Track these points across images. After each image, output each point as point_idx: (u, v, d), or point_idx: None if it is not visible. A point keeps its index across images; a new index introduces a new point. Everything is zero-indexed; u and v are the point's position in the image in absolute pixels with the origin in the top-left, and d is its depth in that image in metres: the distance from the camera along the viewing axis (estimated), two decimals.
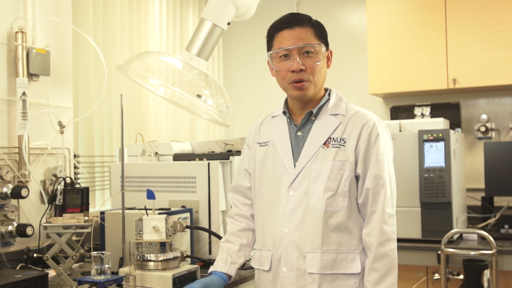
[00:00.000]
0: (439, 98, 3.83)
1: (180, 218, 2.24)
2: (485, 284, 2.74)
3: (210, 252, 2.40)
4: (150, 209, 1.98)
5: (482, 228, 3.17)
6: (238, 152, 2.51)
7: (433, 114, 3.46)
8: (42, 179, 2.48)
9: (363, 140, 1.72)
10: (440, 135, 2.98)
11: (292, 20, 1.75)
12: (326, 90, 1.85)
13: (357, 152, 1.72)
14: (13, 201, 2.29)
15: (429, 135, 3.00)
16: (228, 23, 2.51)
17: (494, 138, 3.73)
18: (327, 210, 1.70)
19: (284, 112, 1.86)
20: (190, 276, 1.95)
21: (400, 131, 3.14)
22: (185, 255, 2.04)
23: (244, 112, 4.47)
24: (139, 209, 2.16)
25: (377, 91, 3.74)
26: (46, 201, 2.42)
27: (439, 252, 2.84)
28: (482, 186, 3.44)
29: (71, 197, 1.98)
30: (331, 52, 1.82)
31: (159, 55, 2.73)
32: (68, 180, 2.05)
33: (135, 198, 2.43)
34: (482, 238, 2.95)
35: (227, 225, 1.99)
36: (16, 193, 2.21)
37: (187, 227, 2.17)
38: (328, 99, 1.82)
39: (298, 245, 1.72)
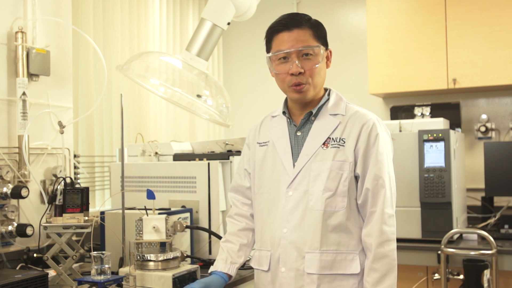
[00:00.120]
0: (439, 98, 3.83)
1: (180, 218, 2.24)
2: (485, 284, 2.74)
3: (210, 252, 2.40)
4: (150, 209, 1.98)
5: (482, 228, 3.17)
6: (238, 152, 2.51)
7: (433, 114, 3.46)
8: (42, 179, 2.48)
9: (362, 140, 1.72)
10: (440, 135, 2.98)
11: (290, 22, 1.74)
12: (325, 90, 1.85)
13: (356, 152, 1.72)
14: (13, 201, 2.29)
15: (429, 135, 3.00)
16: (228, 23, 2.50)
17: (494, 138, 3.73)
18: (326, 211, 1.70)
19: (283, 112, 1.86)
20: (190, 276, 1.95)
21: (400, 131, 3.14)
22: (185, 255, 2.04)
23: (244, 112, 4.47)
24: (139, 209, 2.16)
25: (377, 91, 3.74)
26: (46, 201, 2.42)
27: (439, 252, 2.84)
28: (482, 186, 3.44)
29: (71, 197, 1.98)
30: (330, 51, 1.81)
31: (159, 55, 2.73)
32: (68, 180, 2.05)
33: (135, 198, 2.43)
34: (482, 238, 2.95)
35: (227, 225, 1.99)
36: (16, 193, 2.21)
37: (187, 227, 2.17)
38: (328, 99, 1.82)
39: (297, 245, 1.72)
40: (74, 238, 2.11)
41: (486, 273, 2.76)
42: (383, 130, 1.76)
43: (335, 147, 1.73)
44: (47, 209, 2.14)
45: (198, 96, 2.43)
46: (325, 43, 1.78)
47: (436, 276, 2.92)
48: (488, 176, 3.34)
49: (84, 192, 2.01)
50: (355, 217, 1.72)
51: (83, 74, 3.01)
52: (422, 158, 2.99)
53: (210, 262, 1.97)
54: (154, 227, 1.94)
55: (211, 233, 2.34)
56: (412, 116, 3.56)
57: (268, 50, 1.80)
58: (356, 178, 1.73)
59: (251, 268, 1.92)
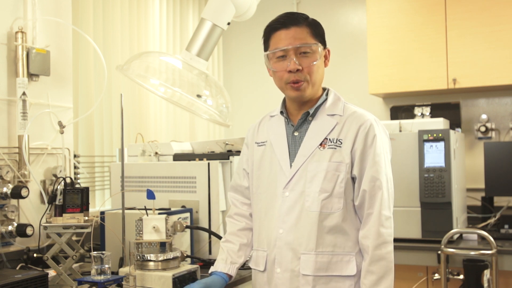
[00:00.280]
0: (439, 98, 3.83)
1: (180, 218, 2.24)
2: (485, 284, 2.74)
3: (210, 252, 2.40)
4: (150, 209, 1.98)
5: (482, 228, 3.17)
6: (238, 152, 2.51)
7: (433, 114, 3.46)
8: (42, 179, 2.48)
9: (359, 141, 1.71)
10: (440, 135, 2.98)
11: (288, 20, 1.74)
12: (324, 89, 1.85)
13: (353, 153, 1.71)
14: (13, 201, 2.29)
15: (429, 135, 3.00)
16: (228, 23, 2.50)
17: (494, 138, 3.73)
18: (322, 212, 1.69)
19: (281, 112, 1.85)
20: (190, 276, 1.95)
21: (400, 131, 3.14)
22: (185, 255, 2.04)
23: (244, 112, 4.47)
24: (139, 209, 2.16)
25: (377, 91, 3.74)
26: (46, 201, 2.42)
27: (439, 252, 2.84)
28: (482, 186, 3.44)
29: (71, 197, 1.98)
30: (328, 51, 1.81)
31: (159, 55, 2.73)
32: (68, 180, 2.05)
33: (135, 198, 2.43)
34: (482, 238, 2.95)
35: (226, 225, 1.99)
36: (16, 193, 2.21)
37: (187, 227, 2.17)
38: (326, 99, 1.81)
39: (292, 246, 1.71)
40: (74, 238, 2.11)
41: (486, 273, 2.76)
42: (381, 131, 1.75)
43: (332, 148, 1.72)
44: (47, 209, 2.14)
45: (198, 96, 2.43)
46: (323, 42, 1.78)
47: (436, 276, 2.92)
48: (488, 176, 3.34)
49: (84, 192, 2.01)
50: (351, 219, 1.71)
51: (83, 74, 3.01)
52: (422, 158, 2.99)
53: (210, 262, 1.97)
54: (154, 227, 1.94)
55: (211, 233, 2.34)
56: (412, 116, 3.56)
57: (266, 49, 1.80)
58: (353, 179, 1.72)
59: (250, 268, 1.92)
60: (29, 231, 2.24)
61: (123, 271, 1.91)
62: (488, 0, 3.38)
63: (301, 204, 1.72)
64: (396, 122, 3.17)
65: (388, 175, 1.72)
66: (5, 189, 2.21)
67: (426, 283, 3.02)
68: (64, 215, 1.97)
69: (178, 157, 2.65)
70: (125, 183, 2.32)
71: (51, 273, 2.01)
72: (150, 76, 2.41)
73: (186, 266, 1.98)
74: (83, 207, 1.99)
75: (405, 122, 3.16)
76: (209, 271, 1.86)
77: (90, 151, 3.05)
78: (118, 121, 3.20)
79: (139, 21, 3.52)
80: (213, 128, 4.27)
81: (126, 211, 2.07)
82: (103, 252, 1.80)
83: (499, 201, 3.50)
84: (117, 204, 2.42)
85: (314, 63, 1.73)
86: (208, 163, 2.42)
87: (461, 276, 2.87)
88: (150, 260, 1.89)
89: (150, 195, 1.94)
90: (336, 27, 4.26)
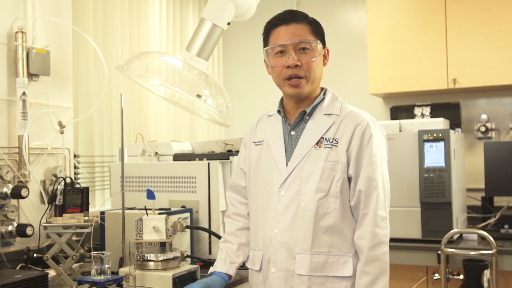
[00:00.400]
0: (439, 98, 3.83)
1: (180, 218, 2.24)
2: (485, 284, 2.74)
3: (210, 252, 2.40)
4: (150, 209, 1.98)
5: (482, 228, 3.17)
6: (238, 152, 2.51)
7: (433, 114, 3.46)
8: (42, 179, 2.48)
9: (355, 141, 1.70)
10: (440, 135, 2.98)
11: (288, 17, 1.74)
12: (322, 89, 1.84)
13: (349, 153, 1.70)
14: (13, 201, 2.29)
15: (429, 135, 3.00)
16: (228, 23, 2.51)
17: (494, 138, 3.73)
18: (318, 212, 1.68)
19: (278, 111, 1.85)
20: (190, 276, 1.95)
21: (400, 131, 3.14)
22: (185, 255, 2.04)
23: (244, 112, 4.47)
24: (139, 209, 2.16)
25: (377, 91, 3.74)
26: (46, 201, 2.42)
27: (439, 252, 2.84)
28: (482, 186, 3.43)
29: (71, 197, 1.98)
30: (327, 50, 1.81)
31: (159, 55, 2.73)
32: (68, 180, 2.05)
33: (135, 198, 2.43)
34: (482, 238, 2.95)
35: (225, 225, 1.98)
36: (16, 193, 2.21)
37: (187, 227, 2.17)
38: (323, 99, 1.81)
39: (287, 245, 1.71)
40: (74, 238, 2.11)
41: (486, 273, 2.76)
42: (377, 130, 1.74)
43: (328, 147, 1.71)
44: (47, 209, 2.14)
45: (198, 96, 2.43)
46: (322, 41, 1.78)
47: (436, 276, 2.92)
48: (488, 176, 3.34)
49: (84, 192, 2.01)
50: (348, 219, 1.70)
51: (83, 74, 3.01)
52: (422, 158, 2.99)
53: (210, 262, 1.97)
54: (154, 227, 1.94)
55: (211, 233, 2.34)
56: (412, 116, 3.56)
57: (265, 45, 1.80)
58: (349, 179, 1.71)
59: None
60: (29, 231, 2.24)
61: (123, 271, 1.91)
62: (488, 0, 3.38)
63: (296, 204, 1.71)
64: (396, 122, 3.17)
65: (384, 175, 1.71)
66: (5, 189, 2.21)
67: (426, 283, 3.02)
68: (64, 215, 1.97)
69: (178, 157, 2.65)
70: (125, 183, 2.32)
71: (51, 273, 2.01)
72: (150, 76, 2.41)
73: (186, 266, 1.98)
74: (83, 207, 2.00)
75: (405, 122, 3.16)
76: (209, 272, 1.86)
77: (90, 151, 3.05)
78: (118, 121, 3.20)
79: (139, 21, 3.52)
80: (213, 128, 4.27)
81: (126, 211, 2.07)
82: (103, 252, 1.80)
83: (499, 201, 3.50)
84: (117, 204, 2.42)
85: (313, 59, 1.73)
86: (208, 163, 2.42)
87: (461, 276, 2.87)
88: (150, 260, 1.89)
89: (150, 195, 1.94)
90: (336, 27, 4.26)
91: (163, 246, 1.97)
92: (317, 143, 1.73)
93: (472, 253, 2.84)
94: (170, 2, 3.87)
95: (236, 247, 1.88)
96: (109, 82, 3.14)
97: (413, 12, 3.59)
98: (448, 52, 3.48)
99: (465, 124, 3.81)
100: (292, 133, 1.79)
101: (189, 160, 2.55)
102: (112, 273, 1.83)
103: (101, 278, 1.77)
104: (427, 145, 3.00)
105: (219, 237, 2.22)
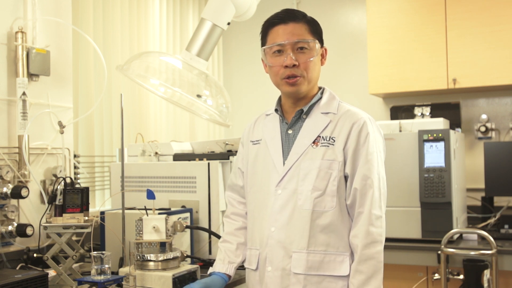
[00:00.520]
0: (439, 98, 3.83)
1: (180, 218, 2.24)
2: (485, 284, 2.74)
3: (210, 252, 2.40)
4: (150, 209, 1.98)
5: (482, 228, 3.17)
6: None
7: (433, 114, 3.46)
8: (42, 179, 2.49)
9: (352, 140, 1.70)
10: (440, 135, 2.98)
11: (287, 16, 1.74)
12: (320, 88, 1.84)
13: (345, 151, 1.70)
14: (13, 201, 2.29)
15: (429, 135, 3.00)
16: (228, 23, 2.51)
17: (494, 138, 3.73)
18: (315, 210, 1.68)
19: (276, 110, 1.85)
20: (190, 276, 1.95)
21: (400, 131, 3.14)
22: (185, 255, 2.04)
23: (244, 112, 4.46)
24: (139, 209, 2.16)
25: (377, 91, 3.74)
26: (46, 201, 2.42)
27: (439, 252, 2.84)
28: (482, 186, 3.44)
29: (71, 197, 1.98)
30: (325, 49, 1.81)
31: (159, 55, 2.73)
32: (68, 180, 2.05)
33: (135, 198, 2.43)
34: (482, 238, 2.95)
35: (224, 225, 1.98)
36: (16, 193, 2.21)
37: (187, 227, 2.17)
38: (321, 98, 1.81)
39: (284, 244, 1.70)
40: (74, 238, 2.11)
41: (486, 273, 2.76)
42: (374, 129, 1.74)
43: (325, 145, 1.71)
44: (47, 209, 2.14)
45: (198, 96, 2.43)
46: (320, 40, 1.78)
47: (436, 276, 2.92)
48: (488, 176, 3.34)
49: (84, 192, 2.01)
50: (345, 218, 1.70)
51: (83, 74, 3.01)
52: (422, 158, 2.99)
53: (210, 262, 1.97)
54: (154, 227, 1.94)
55: (211, 233, 2.34)
56: (412, 116, 3.56)
57: (263, 44, 1.80)
58: (346, 178, 1.71)
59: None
60: (29, 231, 2.24)
61: (123, 271, 1.91)
62: (488, 0, 3.38)
63: (293, 202, 1.71)
64: (396, 122, 3.17)
65: (380, 174, 1.71)
66: (5, 189, 2.21)
67: (426, 283, 3.02)
68: (64, 215, 1.97)
69: (178, 157, 2.65)
70: (125, 183, 2.32)
71: (51, 273, 2.01)
72: (150, 76, 2.41)
73: (186, 266, 1.98)
74: (83, 207, 2.00)
75: (405, 122, 3.16)
76: (208, 272, 1.86)
77: (90, 151, 3.05)
78: (118, 121, 3.20)
79: (139, 21, 3.52)
80: (213, 128, 4.27)
81: (126, 211, 2.07)
82: (103, 252, 1.80)
83: (499, 201, 3.50)
84: (117, 204, 2.42)
85: (311, 59, 1.72)
86: (208, 163, 2.42)
87: (461, 276, 2.87)
88: (150, 260, 1.89)
89: (150, 195, 1.94)
90: (336, 27, 4.26)
91: (163, 246, 1.97)
92: (314, 142, 1.73)
93: (472, 253, 2.84)
94: (170, 2, 3.87)
95: (235, 247, 1.88)
96: (109, 82, 3.14)
97: (413, 12, 3.59)
98: (448, 52, 3.48)
99: (465, 124, 3.81)
100: (289, 132, 1.79)
101: (189, 160, 2.55)
102: (112, 273, 1.83)
103: (101, 278, 1.77)
104: (427, 145, 3.00)
105: (219, 237, 2.22)
